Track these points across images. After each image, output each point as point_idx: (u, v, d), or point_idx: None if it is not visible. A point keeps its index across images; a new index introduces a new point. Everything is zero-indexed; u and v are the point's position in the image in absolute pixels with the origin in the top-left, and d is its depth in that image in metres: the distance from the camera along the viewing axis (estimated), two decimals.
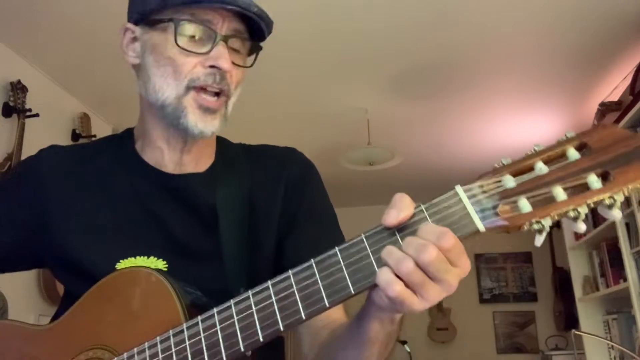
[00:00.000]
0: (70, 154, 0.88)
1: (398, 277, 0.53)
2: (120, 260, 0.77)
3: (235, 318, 0.60)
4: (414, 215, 0.55)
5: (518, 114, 3.54)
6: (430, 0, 2.38)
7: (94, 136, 3.16)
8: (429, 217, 0.55)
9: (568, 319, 4.46)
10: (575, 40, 2.70)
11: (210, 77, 0.75)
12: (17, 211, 0.83)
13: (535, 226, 0.51)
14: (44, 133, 2.79)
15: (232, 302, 0.61)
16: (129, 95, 3.62)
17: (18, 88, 2.59)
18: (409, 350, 3.91)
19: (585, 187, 0.51)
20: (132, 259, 0.78)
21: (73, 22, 2.46)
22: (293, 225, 0.85)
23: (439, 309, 5.23)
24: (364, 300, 0.65)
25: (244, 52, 0.81)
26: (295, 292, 0.58)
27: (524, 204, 0.52)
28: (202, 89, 0.76)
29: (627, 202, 2.78)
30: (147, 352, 0.65)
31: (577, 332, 2.66)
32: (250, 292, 0.60)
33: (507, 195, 0.53)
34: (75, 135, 3.10)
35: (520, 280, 5.35)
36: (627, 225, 2.85)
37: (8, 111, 2.57)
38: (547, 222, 0.51)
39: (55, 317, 0.89)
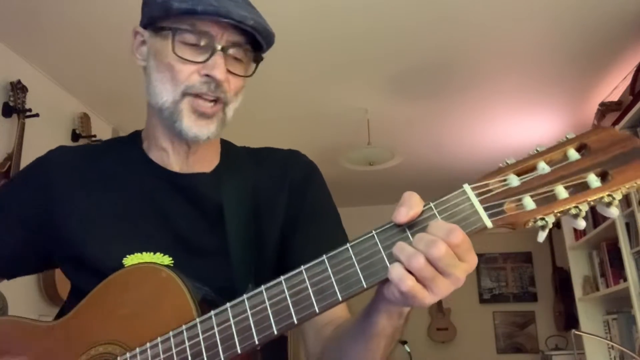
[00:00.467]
0: (77, 153, 0.90)
1: (409, 272, 0.55)
2: (127, 256, 0.78)
3: (249, 312, 0.61)
4: (423, 212, 0.57)
5: (518, 114, 3.54)
6: (430, 1, 2.38)
7: (94, 136, 3.16)
8: (438, 215, 0.57)
9: (568, 319, 4.47)
10: (575, 40, 2.70)
11: (205, 85, 0.77)
12: (26, 209, 0.84)
13: (540, 223, 0.54)
14: (44, 133, 2.79)
15: (245, 297, 0.62)
16: (129, 95, 3.65)
17: (18, 88, 2.59)
18: (409, 350, 3.92)
19: (585, 186, 0.53)
20: (139, 254, 0.79)
21: (73, 23, 2.46)
22: (297, 225, 0.86)
23: (439, 309, 5.23)
24: (365, 300, 0.66)
25: (245, 61, 0.83)
26: (309, 286, 0.59)
27: (528, 202, 0.54)
28: (198, 96, 0.78)
29: (627, 202, 2.78)
30: (160, 347, 0.65)
31: (577, 332, 2.66)
32: (263, 288, 0.61)
33: (512, 193, 0.56)
34: (75, 135, 3.10)
35: (520, 280, 5.35)
36: (627, 225, 2.85)
37: (8, 111, 2.56)
38: (551, 219, 0.54)
39: (61, 313, 0.90)
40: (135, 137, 0.92)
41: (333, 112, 3.49)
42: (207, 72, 0.77)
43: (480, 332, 5.21)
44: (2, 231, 0.85)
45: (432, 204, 0.58)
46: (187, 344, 0.64)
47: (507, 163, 0.58)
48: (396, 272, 0.55)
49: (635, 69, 2.75)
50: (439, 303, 5.22)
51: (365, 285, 0.57)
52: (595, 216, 3.34)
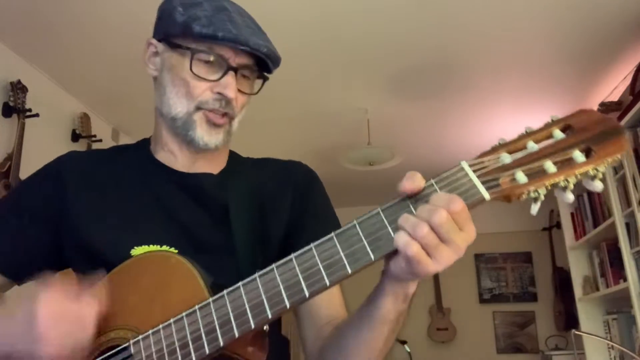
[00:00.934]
0: (87, 157, 0.97)
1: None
2: (135, 247, 0.81)
3: (261, 289, 0.63)
4: (425, 188, 0.62)
5: (518, 114, 3.54)
6: (430, 1, 2.38)
7: (94, 136, 3.16)
8: (439, 190, 0.61)
9: (568, 319, 4.46)
10: (576, 40, 2.70)
11: (217, 102, 0.85)
12: (39, 206, 0.88)
13: (532, 195, 0.59)
14: (44, 133, 2.79)
15: (257, 275, 0.64)
16: (129, 95, 3.64)
17: (18, 88, 2.59)
18: (409, 350, 3.92)
19: (571, 161, 0.59)
20: (146, 246, 0.82)
21: (73, 23, 2.46)
22: (299, 226, 0.90)
23: (438, 308, 5.23)
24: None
25: (252, 78, 0.90)
26: (319, 262, 0.62)
27: (521, 176, 0.59)
28: (210, 111, 0.85)
29: (627, 202, 2.78)
30: (173, 326, 0.67)
31: (577, 332, 2.67)
32: (274, 265, 0.64)
33: (506, 168, 0.61)
34: (75, 135, 3.10)
35: (520, 280, 5.35)
36: (627, 225, 2.85)
37: (8, 111, 2.57)
38: (542, 191, 0.59)
39: None
40: (143, 142, 0.98)
41: (333, 112, 3.49)
42: (220, 91, 0.84)
43: (480, 332, 5.21)
44: (14, 232, 0.88)
45: (432, 181, 0.62)
46: (200, 322, 0.65)
47: (499, 143, 0.64)
48: (402, 239, 0.59)
49: (635, 69, 2.75)
50: (439, 303, 5.22)
51: (373, 258, 0.60)
52: (595, 216, 3.34)
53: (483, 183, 0.60)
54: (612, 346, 3.23)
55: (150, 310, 0.70)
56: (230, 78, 0.84)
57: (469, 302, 5.31)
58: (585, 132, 0.60)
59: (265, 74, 0.91)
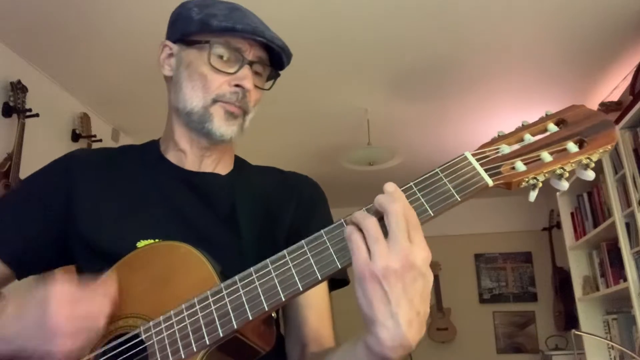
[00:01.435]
0: (97, 154, 0.98)
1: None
2: (140, 240, 0.82)
3: (274, 273, 0.65)
4: (430, 176, 0.65)
5: (518, 114, 3.54)
6: (430, 1, 2.38)
7: (94, 136, 3.16)
8: (444, 177, 0.65)
9: (568, 319, 4.47)
10: (576, 40, 2.70)
11: (234, 95, 0.87)
12: (47, 199, 0.89)
13: (531, 182, 0.64)
14: (44, 133, 2.79)
15: (268, 260, 0.66)
16: (129, 95, 3.64)
17: (18, 88, 2.59)
18: None
19: (565, 151, 0.64)
20: (151, 240, 0.82)
21: (73, 23, 2.46)
22: (302, 232, 0.89)
23: (439, 308, 5.23)
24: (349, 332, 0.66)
25: (264, 76, 0.93)
26: (330, 246, 0.65)
27: (520, 165, 0.64)
28: (227, 103, 0.87)
29: (627, 202, 2.78)
30: (185, 312, 0.67)
31: (577, 332, 2.67)
32: (285, 251, 0.66)
33: (506, 158, 0.65)
34: (75, 135, 3.10)
35: (520, 280, 5.35)
36: (627, 225, 2.85)
37: (8, 111, 2.57)
38: (541, 178, 0.64)
39: None
40: (153, 143, 0.99)
41: (333, 112, 3.50)
42: (237, 82, 0.86)
43: (480, 332, 5.21)
44: (22, 222, 0.88)
45: (438, 169, 0.65)
46: (213, 306, 0.66)
47: (498, 135, 0.68)
48: (348, 228, 0.62)
49: (635, 69, 2.75)
50: (439, 303, 5.22)
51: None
52: (595, 216, 3.34)
53: (486, 171, 0.64)
54: (612, 346, 3.23)
55: (160, 298, 0.70)
56: (246, 70, 0.87)
57: (469, 302, 5.31)
58: (578, 125, 0.66)
59: (278, 72, 0.95)
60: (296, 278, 0.64)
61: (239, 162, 1.01)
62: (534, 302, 5.24)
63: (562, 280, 4.60)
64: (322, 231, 0.66)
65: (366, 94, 3.28)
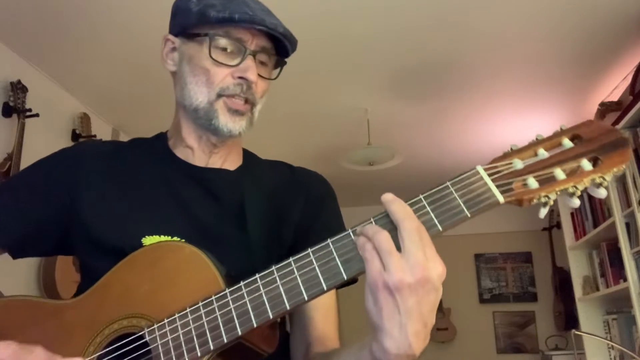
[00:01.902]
0: (105, 146, 0.96)
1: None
2: (146, 236, 0.81)
3: (279, 282, 0.65)
4: (440, 190, 0.64)
5: (518, 114, 3.54)
6: (430, 1, 2.38)
7: (94, 136, 3.16)
8: (455, 192, 0.64)
9: (568, 319, 4.47)
10: (576, 40, 2.70)
11: (238, 87, 0.84)
12: (52, 185, 0.88)
13: (543, 200, 0.63)
14: (44, 133, 2.79)
15: (274, 267, 0.66)
16: (129, 95, 3.63)
17: (18, 88, 2.59)
18: None
19: (579, 169, 0.63)
20: (157, 236, 0.82)
21: (73, 23, 2.46)
22: (308, 235, 0.89)
23: (439, 309, 5.22)
24: (355, 331, 0.66)
25: (270, 65, 0.91)
26: (336, 257, 0.64)
27: (532, 182, 0.63)
28: (231, 96, 0.85)
29: (627, 202, 2.78)
30: (190, 316, 0.67)
31: (577, 332, 2.67)
32: (291, 259, 0.65)
33: (518, 174, 0.64)
34: (75, 135, 3.10)
35: (520, 280, 5.35)
36: (627, 225, 2.85)
37: (8, 111, 2.56)
38: (553, 196, 0.63)
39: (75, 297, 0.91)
40: (161, 136, 0.97)
41: (333, 112, 3.49)
42: (241, 74, 0.84)
43: (480, 332, 5.21)
44: (23, 208, 0.87)
45: (448, 183, 0.65)
46: (217, 312, 0.66)
47: (511, 149, 0.67)
48: (359, 240, 0.62)
49: (635, 69, 2.75)
50: (439, 303, 5.21)
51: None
52: (595, 216, 3.34)
53: (497, 187, 0.63)
54: (612, 346, 3.23)
55: (164, 299, 0.70)
56: (249, 61, 0.84)
57: (469, 302, 5.31)
58: (593, 142, 0.64)
59: (284, 59, 0.92)
60: (302, 288, 0.63)
61: (247, 156, 0.99)
62: (534, 302, 5.24)
63: (562, 280, 4.60)
64: (328, 240, 0.65)
65: (366, 94, 3.28)
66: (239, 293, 0.66)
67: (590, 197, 3.39)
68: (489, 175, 0.64)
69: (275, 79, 0.92)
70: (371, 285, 0.59)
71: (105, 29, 2.52)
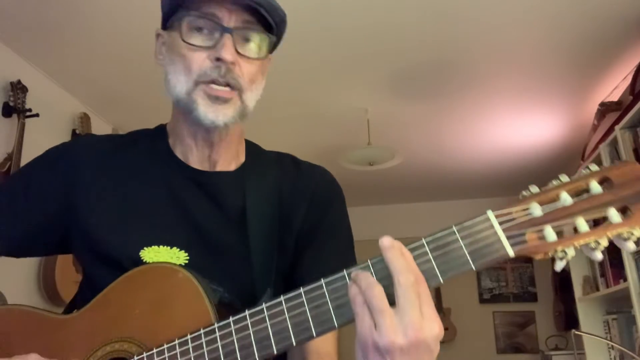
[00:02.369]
0: (103, 142, 0.89)
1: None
2: (144, 248, 0.78)
3: (268, 322, 0.62)
4: (446, 235, 0.59)
5: (518, 114, 3.54)
6: (431, 1, 2.38)
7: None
8: (461, 239, 0.58)
9: (568, 319, 4.46)
10: (576, 40, 2.70)
11: (216, 70, 0.76)
12: (49, 192, 0.84)
13: (560, 254, 0.56)
14: (44, 133, 2.79)
15: (264, 305, 0.63)
16: (129, 95, 3.63)
17: (18, 88, 2.59)
18: None
19: (606, 220, 0.55)
20: (155, 247, 0.78)
21: (73, 23, 2.46)
22: (311, 239, 0.86)
23: (439, 308, 5.23)
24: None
25: (259, 43, 0.81)
26: (329, 301, 0.60)
27: (550, 233, 0.56)
28: (211, 83, 0.77)
29: None
30: (178, 349, 0.66)
31: (577, 332, 2.67)
32: (282, 298, 0.62)
33: (535, 223, 0.57)
34: (75, 136, 3.09)
35: (520, 280, 5.35)
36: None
37: (8, 111, 2.56)
38: (571, 252, 0.56)
39: (73, 302, 0.90)
40: (162, 131, 0.91)
41: (333, 112, 3.49)
42: (216, 55, 0.75)
43: (480, 332, 5.21)
44: (21, 209, 0.84)
45: (455, 228, 0.59)
46: (205, 348, 0.64)
47: (530, 191, 0.59)
48: (352, 290, 0.57)
49: (635, 69, 2.75)
50: (439, 303, 5.22)
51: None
52: None
53: (508, 238, 0.57)
54: (612, 346, 3.23)
55: (155, 325, 0.69)
56: (225, 39, 0.75)
57: (469, 302, 5.31)
58: (625, 188, 0.56)
59: (273, 37, 0.83)
60: (290, 331, 0.60)
61: (251, 151, 0.92)
62: (534, 302, 5.24)
63: (562, 280, 4.59)
64: (322, 281, 0.61)
65: (366, 94, 3.28)
66: (227, 330, 0.64)
67: None
68: (501, 223, 0.57)
69: (262, 58, 0.81)
70: (361, 342, 0.55)
71: (105, 29, 2.52)
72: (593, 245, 0.55)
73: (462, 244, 0.58)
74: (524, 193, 0.59)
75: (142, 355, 0.68)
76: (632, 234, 0.54)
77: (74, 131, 3.10)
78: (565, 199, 0.57)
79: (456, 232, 0.58)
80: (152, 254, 0.78)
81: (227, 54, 0.75)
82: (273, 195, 0.86)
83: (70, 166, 0.84)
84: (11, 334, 0.77)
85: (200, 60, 0.76)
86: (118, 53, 2.70)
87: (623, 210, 0.55)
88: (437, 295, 5.22)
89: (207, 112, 0.77)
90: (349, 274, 0.60)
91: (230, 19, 0.76)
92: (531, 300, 5.25)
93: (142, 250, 0.78)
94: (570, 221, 0.56)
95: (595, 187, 0.57)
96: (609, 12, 2.47)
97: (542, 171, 4.52)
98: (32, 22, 2.45)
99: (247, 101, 0.80)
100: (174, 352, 0.66)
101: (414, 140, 3.96)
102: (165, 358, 0.66)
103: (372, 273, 0.59)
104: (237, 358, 0.62)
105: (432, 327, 0.55)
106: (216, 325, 0.65)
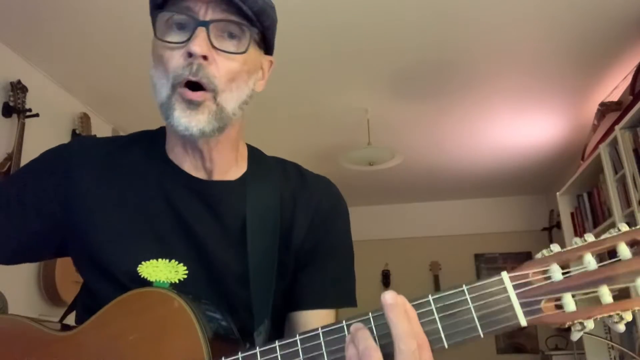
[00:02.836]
0: (100, 146, 0.85)
1: None
2: (142, 262, 0.75)
3: None
4: (455, 294, 0.55)
5: (518, 114, 3.54)
6: (431, 1, 2.38)
7: (94, 136, 3.16)
8: (470, 301, 0.54)
9: None
10: (576, 40, 2.70)
11: (187, 68, 0.69)
12: (43, 199, 0.79)
13: (578, 327, 0.51)
14: (44, 133, 2.79)
15: (258, 350, 0.60)
16: (129, 95, 3.64)
17: (18, 88, 2.59)
18: None
19: (632, 292, 0.50)
20: (154, 261, 0.75)
21: (73, 23, 2.46)
22: (312, 258, 0.83)
23: None
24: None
25: (243, 37, 0.74)
26: (325, 354, 0.57)
27: (569, 302, 0.51)
28: (185, 84, 0.71)
29: (627, 202, 2.78)
30: None
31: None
32: (277, 344, 0.60)
33: (553, 290, 0.52)
34: (75, 136, 3.09)
35: None
36: (628, 225, 2.84)
37: (8, 111, 2.57)
38: (590, 325, 0.51)
39: (70, 309, 0.88)
40: (162, 135, 0.85)
41: (333, 112, 3.49)
42: (187, 50, 0.69)
43: None
44: (15, 216, 0.80)
45: (465, 288, 0.55)
46: None
47: (551, 250, 0.55)
48: (350, 351, 0.54)
49: (635, 69, 2.75)
50: None
51: None
52: (595, 216, 3.34)
53: (523, 305, 0.52)
54: (612, 346, 3.23)
55: (147, 354, 0.67)
56: (198, 32, 0.69)
57: None
58: None
59: (249, 26, 0.74)
60: None
61: (253, 158, 0.87)
62: None
63: None
64: (319, 330, 0.58)
65: (366, 94, 3.28)
66: None
67: (591, 197, 3.39)
68: (516, 287, 0.53)
69: (244, 52, 0.73)
70: None
71: (105, 29, 2.52)
72: (616, 319, 0.50)
73: (471, 307, 0.54)
74: (544, 252, 0.55)
75: None
76: None
77: (74, 131, 3.10)
78: (589, 261, 0.52)
79: (466, 292, 0.54)
80: (150, 269, 0.75)
81: (197, 46, 0.68)
82: (275, 210, 0.81)
83: (67, 171, 0.80)
84: (4, 347, 0.75)
85: (176, 60, 0.71)
86: (118, 53, 2.70)
87: None
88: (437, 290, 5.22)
89: (181, 117, 0.71)
90: (348, 325, 0.57)
91: (206, 12, 0.71)
92: None
93: (139, 266, 0.75)
94: (593, 290, 0.50)
95: (624, 250, 0.51)
96: (609, 12, 2.47)
97: (542, 171, 4.53)
98: (32, 23, 2.45)
99: (224, 103, 0.73)
100: None
101: (414, 140, 3.96)
102: None
103: (372, 328, 0.55)
104: None
105: None
106: None
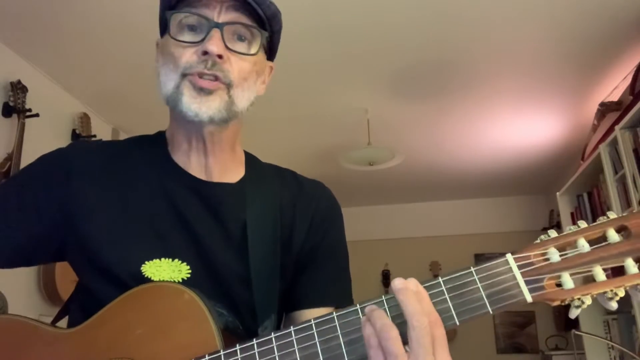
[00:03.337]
0: (100, 149, 0.86)
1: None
2: (146, 262, 0.75)
3: (277, 353, 0.60)
4: (463, 276, 0.59)
5: (518, 114, 3.54)
6: (431, 1, 2.38)
7: (94, 136, 3.16)
8: (478, 281, 0.58)
9: (568, 319, 4.46)
10: (576, 40, 2.70)
11: (202, 63, 0.74)
12: (43, 202, 0.79)
13: (576, 302, 0.57)
14: (44, 133, 2.79)
15: (273, 335, 0.61)
16: (129, 95, 3.63)
17: (18, 88, 2.59)
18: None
19: (623, 270, 0.55)
20: (157, 260, 0.76)
21: (73, 23, 2.46)
22: (311, 259, 0.85)
23: None
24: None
25: (252, 40, 0.79)
26: (340, 336, 0.59)
27: (567, 280, 0.57)
28: (196, 74, 0.75)
29: (627, 202, 2.78)
30: None
31: (577, 332, 2.66)
32: (292, 329, 0.61)
33: (553, 269, 0.58)
34: (75, 135, 3.10)
35: None
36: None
37: (8, 111, 2.57)
38: (588, 301, 0.57)
39: (62, 312, 0.87)
40: (161, 138, 0.88)
41: (333, 112, 3.50)
42: (203, 49, 0.73)
43: (480, 332, 5.21)
44: (14, 220, 0.79)
45: (473, 269, 0.59)
46: None
47: (548, 235, 0.60)
48: (367, 330, 0.56)
49: (635, 69, 2.75)
50: None
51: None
52: (595, 216, 3.33)
53: (527, 283, 0.58)
54: (612, 346, 3.23)
55: (157, 347, 0.67)
56: (213, 32, 0.73)
57: None
58: None
59: (261, 30, 0.79)
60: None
61: (250, 163, 0.89)
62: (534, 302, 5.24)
63: None
64: (334, 314, 0.60)
65: (366, 94, 3.28)
66: (234, 358, 0.61)
67: (591, 197, 3.39)
68: (520, 267, 0.59)
69: (253, 54, 0.78)
70: None
71: (105, 29, 2.52)
72: (610, 295, 0.56)
73: (479, 286, 0.58)
74: (542, 237, 0.60)
75: None
76: None
77: (74, 131, 3.10)
78: (583, 245, 0.58)
79: (474, 273, 0.59)
80: (154, 268, 0.75)
81: (213, 45, 0.73)
82: (274, 215, 0.83)
83: (66, 175, 0.80)
84: (2, 347, 0.74)
85: (188, 55, 0.75)
86: (118, 53, 2.70)
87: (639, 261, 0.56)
88: None
89: (191, 103, 0.74)
90: (362, 308, 0.59)
91: (219, 14, 0.75)
92: None
93: (143, 265, 0.75)
94: (588, 269, 0.57)
95: (612, 235, 0.57)
96: (609, 12, 2.47)
97: (542, 171, 4.53)
98: (32, 22, 2.45)
99: (236, 98, 0.77)
100: None
101: (414, 140, 3.96)
102: None
103: (386, 309, 0.58)
104: None
105: None
106: (222, 352, 0.62)
